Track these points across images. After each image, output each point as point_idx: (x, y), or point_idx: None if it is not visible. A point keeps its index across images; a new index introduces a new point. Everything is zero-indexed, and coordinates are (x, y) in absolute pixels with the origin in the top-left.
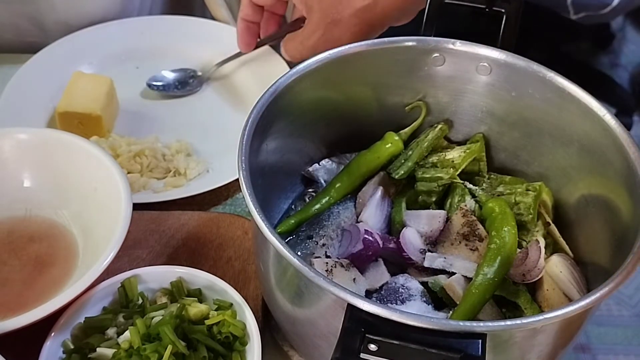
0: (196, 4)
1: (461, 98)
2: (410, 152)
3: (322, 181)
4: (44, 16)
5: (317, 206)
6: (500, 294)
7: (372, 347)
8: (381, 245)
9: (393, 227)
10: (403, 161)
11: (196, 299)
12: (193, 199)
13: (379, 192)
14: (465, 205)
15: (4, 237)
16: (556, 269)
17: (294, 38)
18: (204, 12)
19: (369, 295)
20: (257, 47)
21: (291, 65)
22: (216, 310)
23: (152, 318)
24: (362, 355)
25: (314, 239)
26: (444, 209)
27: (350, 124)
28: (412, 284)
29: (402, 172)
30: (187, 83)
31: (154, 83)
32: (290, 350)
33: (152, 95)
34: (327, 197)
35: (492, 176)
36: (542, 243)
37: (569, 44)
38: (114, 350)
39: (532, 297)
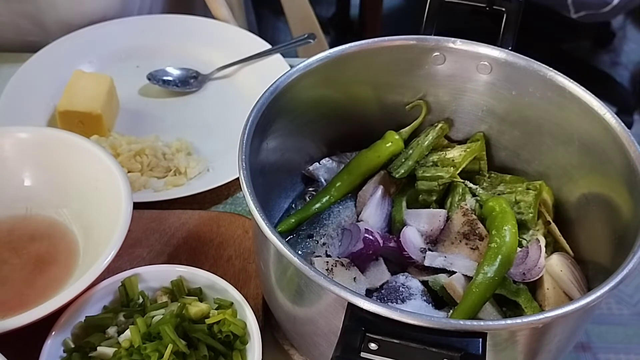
0: (197, 3)
1: (461, 97)
2: (410, 151)
3: (323, 180)
4: (44, 15)
5: (318, 205)
6: (501, 293)
7: (373, 346)
8: (381, 244)
9: (393, 226)
10: (403, 160)
11: (197, 297)
12: (193, 198)
13: (380, 191)
14: (466, 204)
15: (5, 236)
16: (556, 268)
17: None
18: (205, 11)
19: (369, 294)
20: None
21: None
22: (217, 309)
23: (153, 317)
24: (363, 354)
25: (314, 238)
26: (444, 208)
27: (351, 122)
28: (412, 282)
29: (403, 171)
30: (187, 82)
31: (155, 77)
32: (290, 349)
33: (153, 93)
34: (328, 196)
35: (492, 175)
36: (543, 242)
37: (570, 42)
38: (115, 349)
39: (532, 296)
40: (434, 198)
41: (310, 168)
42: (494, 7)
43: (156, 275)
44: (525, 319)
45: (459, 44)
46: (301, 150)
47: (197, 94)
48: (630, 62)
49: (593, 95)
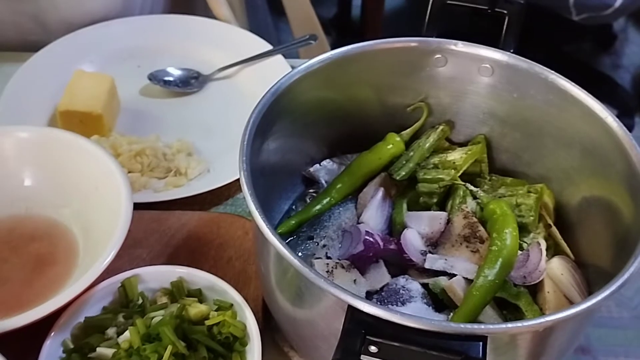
0: (198, 3)
1: (463, 99)
2: (411, 153)
3: (323, 182)
4: (45, 14)
5: (318, 207)
6: (501, 296)
7: (373, 348)
8: (382, 247)
9: (394, 228)
10: (404, 162)
11: (196, 299)
12: (194, 199)
13: (380, 193)
14: (467, 207)
15: (5, 236)
16: (557, 272)
17: None
18: (206, 12)
19: (369, 296)
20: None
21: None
22: (216, 310)
23: (152, 318)
24: (363, 357)
25: (314, 240)
26: (445, 211)
27: (352, 124)
28: (412, 285)
29: (404, 173)
30: (188, 82)
31: (156, 78)
32: (290, 351)
33: (154, 93)
34: (328, 198)
35: (493, 178)
36: (543, 245)
37: (571, 45)
38: (114, 350)
39: (533, 299)
40: (435, 200)
41: (311, 169)
42: (496, 9)
43: (156, 276)
44: (526, 323)
45: (461, 46)
46: (302, 152)
47: (198, 95)
48: (631, 65)
49: (594, 98)
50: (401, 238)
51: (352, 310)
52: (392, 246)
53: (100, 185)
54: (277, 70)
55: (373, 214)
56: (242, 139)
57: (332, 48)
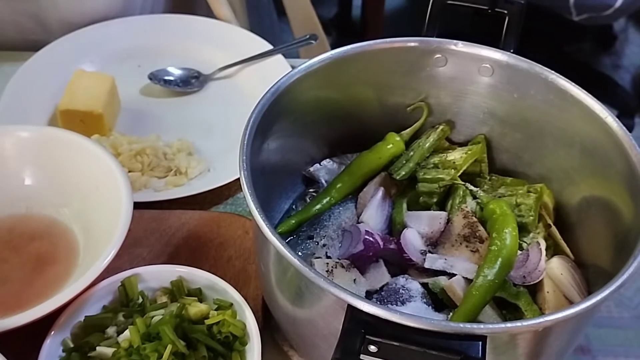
0: (198, 3)
1: (463, 99)
2: (411, 153)
3: (323, 181)
4: (46, 14)
5: (318, 206)
6: (501, 296)
7: (372, 348)
8: (382, 246)
9: (394, 228)
10: (404, 162)
11: (196, 298)
12: (194, 198)
13: (380, 193)
14: (466, 207)
15: (5, 235)
16: (557, 271)
17: None
18: (207, 11)
19: (369, 296)
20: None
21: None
22: (216, 309)
23: (152, 317)
24: (362, 357)
25: (314, 239)
26: (445, 210)
27: (352, 124)
28: (412, 285)
29: (404, 172)
30: (189, 82)
31: (156, 77)
32: (290, 350)
33: (154, 93)
34: (328, 198)
35: (493, 177)
36: (543, 245)
37: (571, 45)
38: (114, 349)
39: (532, 299)
40: (435, 200)
41: (311, 169)
42: (496, 9)
43: (156, 276)
44: (525, 323)
45: (461, 46)
46: (302, 151)
47: (198, 94)
48: (631, 65)
49: (594, 99)
50: (401, 238)
51: (351, 310)
52: (392, 246)
53: (100, 185)
54: (277, 70)
55: (373, 214)
56: (242, 138)
57: (333, 48)
